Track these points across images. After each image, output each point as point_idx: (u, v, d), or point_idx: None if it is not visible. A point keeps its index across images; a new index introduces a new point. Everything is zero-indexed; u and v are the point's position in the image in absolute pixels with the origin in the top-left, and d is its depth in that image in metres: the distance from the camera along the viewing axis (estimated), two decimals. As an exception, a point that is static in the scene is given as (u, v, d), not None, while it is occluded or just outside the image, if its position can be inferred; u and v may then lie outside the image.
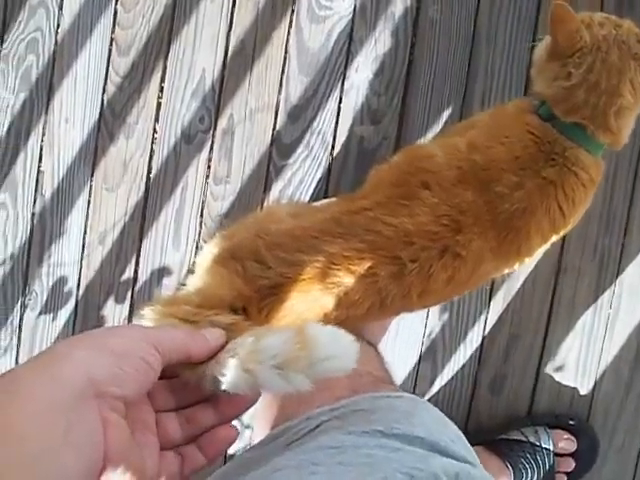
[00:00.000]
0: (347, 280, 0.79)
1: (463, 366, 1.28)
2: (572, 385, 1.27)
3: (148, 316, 0.70)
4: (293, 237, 0.81)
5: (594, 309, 1.26)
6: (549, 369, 1.27)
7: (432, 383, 1.28)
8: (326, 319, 0.80)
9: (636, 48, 0.87)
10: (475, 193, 0.85)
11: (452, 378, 1.28)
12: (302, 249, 0.80)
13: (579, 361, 1.27)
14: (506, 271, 0.96)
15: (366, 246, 0.80)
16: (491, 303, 1.27)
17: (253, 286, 0.78)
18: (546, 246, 0.94)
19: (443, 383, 1.28)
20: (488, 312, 1.26)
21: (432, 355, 1.27)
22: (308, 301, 0.79)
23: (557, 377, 1.27)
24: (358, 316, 0.82)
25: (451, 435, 0.61)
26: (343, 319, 0.81)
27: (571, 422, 1.26)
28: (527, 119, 0.91)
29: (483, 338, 1.27)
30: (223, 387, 0.48)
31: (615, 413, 1.27)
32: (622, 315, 1.26)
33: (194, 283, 0.83)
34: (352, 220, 0.83)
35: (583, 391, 1.27)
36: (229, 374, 0.47)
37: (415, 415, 0.61)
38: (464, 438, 0.64)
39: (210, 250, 0.87)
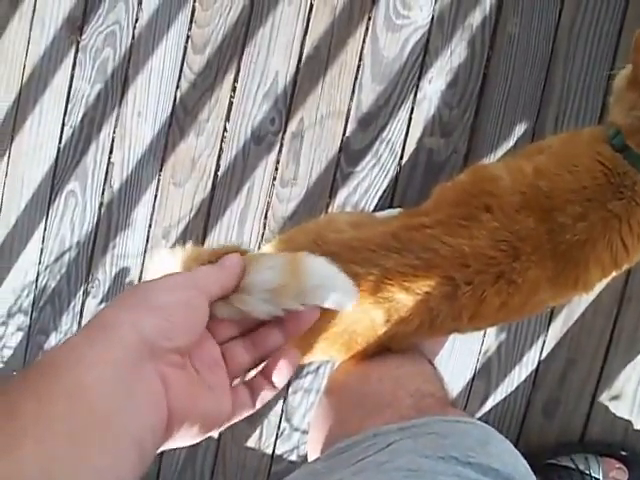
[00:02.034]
0: (399, 296, 0.82)
1: (517, 387, 1.30)
2: (627, 416, 1.29)
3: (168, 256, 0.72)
4: (350, 248, 0.85)
5: (657, 340, 1.27)
6: (604, 398, 1.29)
7: (485, 401, 1.31)
8: (375, 333, 0.84)
9: None
10: (537, 221, 0.86)
11: (505, 398, 1.31)
12: (357, 261, 0.83)
13: (637, 392, 1.29)
14: (563, 302, 0.96)
15: (421, 264, 0.83)
16: (550, 326, 1.29)
17: None
18: (606, 280, 0.94)
19: (496, 402, 1.31)
20: (547, 335, 1.29)
21: (487, 373, 1.31)
22: (358, 313, 0.82)
23: (612, 406, 1.29)
24: (407, 333, 0.84)
25: (522, 469, 0.64)
26: (392, 334, 0.84)
27: (623, 452, 1.28)
28: (599, 149, 0.91)
29: (539, 361, 1.30)
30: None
31: (670, 448, 1.28)
32: (686, 348, 1.27)
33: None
34: (410, 236, 0.86)
35: (638, 424, 1.28)
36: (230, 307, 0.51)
37: (489, 444, 0.64)
38: (533, 474, 0.67)
39: (268, 249, 0.91)
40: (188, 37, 1.36)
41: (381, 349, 0.87)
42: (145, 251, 1.39)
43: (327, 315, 0.82)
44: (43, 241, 1.43)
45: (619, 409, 1.29)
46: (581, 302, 1.28)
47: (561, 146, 0.97)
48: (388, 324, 0.83)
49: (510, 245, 0.85)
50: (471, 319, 0.86)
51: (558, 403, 1.30)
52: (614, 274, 0.93)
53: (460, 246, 0.84)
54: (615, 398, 1.30)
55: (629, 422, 1.29)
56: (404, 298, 0.82)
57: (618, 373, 1.29)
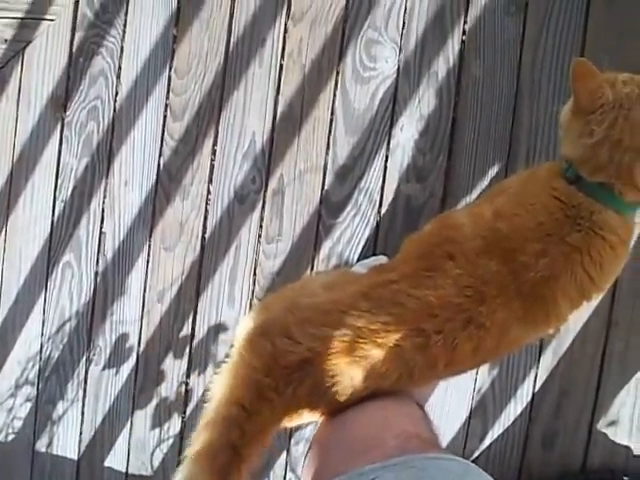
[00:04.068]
0: (374, 353, 0.86)
1: (514, 421, 1.35)
2: (626, 442, 1.32)
3: None
4: (322, 312, 0.90)
5: (648, 363, 1.31)
6: (602, 425, 1.33)
7: (483, 438, 1.36)
8: (355, 390, 0.88)
9: None
10: (499, 263, 0.90)
11: (503, 434, 1.35)
12: (330, 324, 0.88)
13: (633, 417, 1.32)
14: (539, 337, 1.00)
15: (391, 319, 0.87)
16: (541, 358, 1.33)
17: (283, 361, 0.87)
18: (579, 310, 0.96)
19: (494, 438, 1.35)
20: (538, 368, 1.33)
21: (482, 411, 1.35)
22: (337, 374, 0.87)
23: (610, 433, 1.32)
24: (387, 387, 0.89)
25: None
26: (373, 389, 0.88)
27: (625, 478, 1.31)
28: (554, 184, 0.95)
29: (533, 394, 1.34)
30: None
31: (674, 469, 1.31)
32: (678, 369, 1.30)
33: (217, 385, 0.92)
34: (378, 294, 0.90)
35: (638, 447, 1.31)
36: None
37: (467, 477, 0.69)
38: None
39: (247, 323, 0.97)
40: (166, 106, 1.44)
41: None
42: (142, 316, 1.45)
43: (307, 384, 0.88)
44: (44, 313, 1.50)
45: (617, 435, 1.33)
46: (569, 331, 1.32)
47: (519, 186, 1.02)
48: (367, 381, 0.88)
49: (475, 290, 0.89)
50: (447, 366, 0.90)
51: (556, 434, 1.34)
52: (585, 304, 0.97)
53: (426, 297, 0.88)
54: (612, 424, 1.34)
55: (628, 448, 1.33)
56: (379, 354, 0.86)
57: (612, 399, 1.32)
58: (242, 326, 0.98)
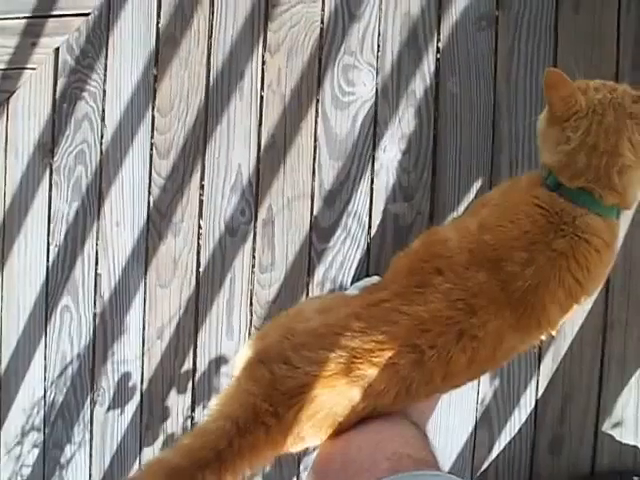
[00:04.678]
0: (370, 372, 0.88)
1: (520, 430, 1.36)
2: (633, 441, 1.33)
3: None
4: (317, 335, 0.91)
5: (647, 362, 1.33)
6: (607, 427, 1.34)
7: (490, 449, 1.37)
8: (355, 410, 0.89)
9: (632, 108, 0.94)
10: (487, 274, 0.92)
11: (510, 443, 1.36)
12: (326, 346, 0.89)
13: (637, 416, 1.33)
14: (535, 342, 1.02)
15: (385, 337, 0.89)
16: (541, 365, 1.35)
17: (282, 387, 0.88)
18: (569, 315, 0.99)
19: (501, 448, 1.36)
20: (539, 375, 1.35)
21: (488, 421, 1.36)
22: (335, 395, 0.88)
23: (616, 434, 1.34)
24: (386, 405, 0.90)
25: None
26: (372, 408, 0.90)
27: (635, 478, 1.32)
28: (535, 192, 0.98)
29: (536, 401, 1.35)
30: None
31: (682, 465, 1.32)
32: (677, 365, 1.32)
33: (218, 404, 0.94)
34: (370, 313, 0.92)
35: (645, 446, 1.33)
36: None
37: None
38: None
39: (245, 352, 0.98)
40: (152, 145, 1.46)
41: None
42: (143, 354, 1.47)
43: (308, 408, 0.89)
44: (45, 358, 1.51)
45: (624, 436, 1.34)
46: (566, 336, 1.34)
47: (502, 197, 1.04)
48: (366, 400, 0.89)
49: (465, 302, 0.91)
50: (444, 380, 0.91)
51: (562, 440, 1.35)
52: (576, 307, 0.98)
53: (418, 313, 0.90)
54: (617, 425, 1.35)
55: (636, 447, 1.34)
56: (375, 373, 0.88)
57: (615, 400, 1.34)
58: (240, 355, 1.00)
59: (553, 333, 0.99)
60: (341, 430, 0.92)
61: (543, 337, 0.99)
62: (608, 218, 0.97)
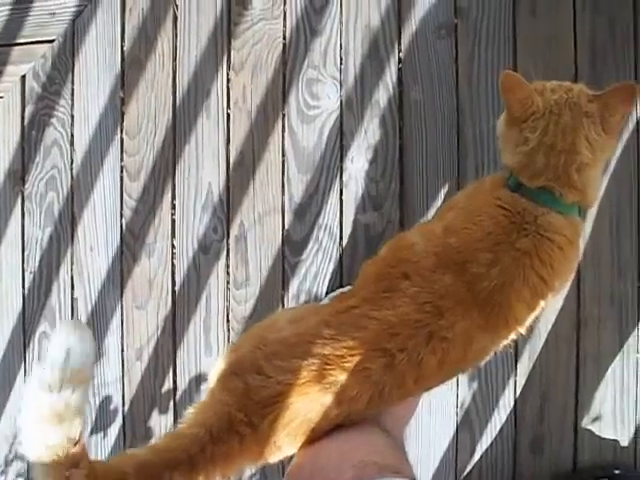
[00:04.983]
0: (343, 378, 0.90)
1: (500, 430, 1.37)
2: (612, 436, 1.35)
3: None
4: (289, 344, 0.93)
5: (621, 356, 1.35)
6: (586, 422, 1.35)
7: (473, 452, 1.38)
8: (329, 417, 0.91)
9: (587, 107, 0.97)
10: (453, 276, 0.94)
11: (491, 444, 1.37)
12: (298, 355, 0.91)
13: (615, 410, 1.35)
14: (506, 342, 1.03)
15: (356, 343, 0.91)
16: (518, 365, 1.36)
17: (256, 397, 0.90)
18: (537, 312, 1.01)
19: (483, 450, 1.38)
20: (516, 375, 1.36)
21: (468, 424, 1.38)
22: (309, 403, 0.90)
23: (596, 429, 1.35)
24: (360, 410, 0.92)
25: None
26: (346, 414, 0.92)
27: (616, 471, 1.34)
28: (498, 194, 1.00)
29: (515, 401, 1.37)
30: None
31: (662, 456, 1.34)
32: (652, 357, 1.34)
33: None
34: (340, 320, 0.94)
35: (624, 440, 1.34)
36: None
37: None
38: None
39: (220, 364, 1.00)
40: (122, 167, 1.47)
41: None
42: (123, 375, 1.47)
43: (283, 416, 0.90)
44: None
45: (603, 430, 1.36)
46: (541, 335, 1.36)
47: (466, 200, 1.06)
48: (340, 406, 0.91)
49: (433, 305, 0.93)
50: (417, 382, 0.94)
51: (543, 438, 1.37)
52: (543, 304, 1.00)
53: (386, 317, 0.92)
54: (596, 420, 1.37)
55: (616, 441, 1.36)
56: (347, 379, 0.90)
57: (593, 395, 1.36)
58: (215, 369, 1.01)
59: (522, 331, 1.01)
60: (316, 438, 0.93)
61: (513, 336, 1.01)
62: (570, 216, 1.00)
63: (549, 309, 1.33)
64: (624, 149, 1.33)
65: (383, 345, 0.91)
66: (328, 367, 0.90)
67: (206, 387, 1.39)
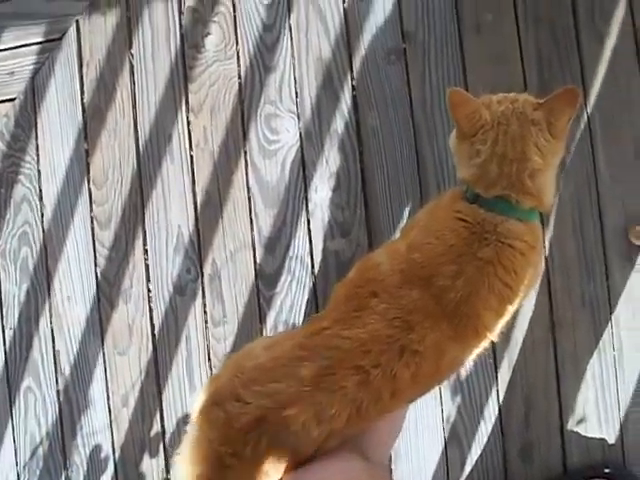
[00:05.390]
0: (320, 398, 0.92)
1: (488, 441, 1.39)
2: (598, 435, 1.37)
3: None
4: (266, 370, 0.96)
5: (598, 355, 1.37)
6: (572, 425, 1.37)
7: (463, 465, 1.40)
8: (310, 437, 0.93)
9: (533, 115, 1.00)
10: (420, 291, 0.97)
11: (481, 456, 1.39)
12: (275, 379, 0.94)
13: (599, 410, 1.37)
14: (478, 350, 1.05)
15: (330, 363, 0.93)
16: (498, 375, 1.38)
17: (237, 424, 0.92)
18: (506, 318, 1.03)
19: (474, 462, 1.39)
20: (497, 384, 1.38)
21: (456, 438, 1.39)
22: (289, 425, 0.92)
23: (582, 430, 1.37)
24: (340, 428, 0.94)
25: None
26: (327, 434, 0.94)
27: (607, 470, 1.36)
28: (457, 207, 1.03)
29: (500, 410, 1.38)
30: None
31: (650, 450, 1.36)
32: (627, 353, 1.37)
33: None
34: (314, 342, 0.97)
35: (611, 437, 1.36)
36: None
37: None
38: None
39: (201, 396, 1.01)
40: (92, 217, 1.49)
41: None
42: (111, 423, 1.48)
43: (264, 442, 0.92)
44: (14, 442, 1.52)
45: (589, 431, 1.38)
46: (517, 342, 1.38)
47: (427, 217, 1.10)
48: (320, 426, 0.93)
49: (402, 320, 0.96)
50: (393, 396, 0.96)
51: (531, 445, 1.39)
52: (511, 309, 1.03)
53: (358, 335, 0.95)
54: (581, 422, 1.38)
55: (603, 440, 1.37)
56: (325, 399, 0.92)
57: (575, 397, 1.38)
58: (197, 401, 1.03)
59: (493, 338, 1.03)
60: (300, 461, 0.95)
61: (485, 344, 1.03)
62: (528, 221, 1.03)
63: (522, 315, 1.36)
64: (579, 153, 1.37)
65: (357, 363, 0.93)
66: (305, 388, 0.93)
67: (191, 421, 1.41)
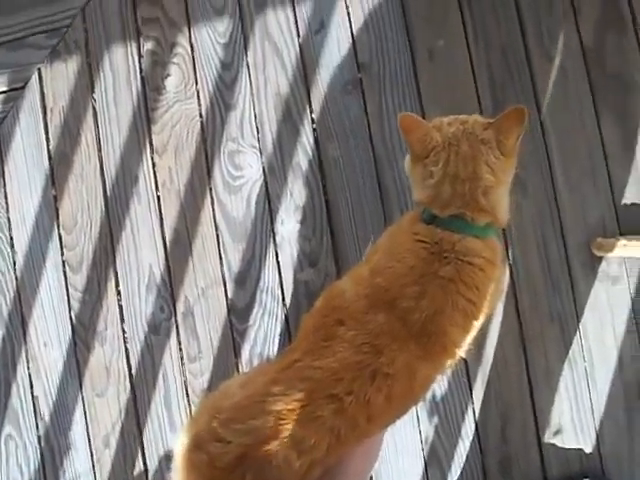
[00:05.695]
0: (298, 430, 0.94)
1: (467, 459, 1.41)
2: (575, 445, 1.39)
3: None
4: (241, 408, 0.98)
5: (569, 367, 1.40)
6: (549, 437, 1.40)
7: (443, 485, 1.41)
8: (292, 469, 0.94)
9: (483, 135, 1.03)
10: (385, 314, 1.00)
11: (461, 474, 1.41)
12: (253, 415, 0.95)
13: (574, 420, 1.40)
14: (449, 368, 1.08)
15: (304, 395, 0.95)
16: (473, 393, 1.41)
17: (220, 464, 0.94)
18: (473, 333, 1.06)
19: (454, 481, 1.41)
20: (473, 402, 1.41)
21: (436, 459, 1.41)
22: (271, 459, 0.93)
23: (559, 442, 1.40)
24: (321, 457, 0.96)
25: None
26: (309, 464, 0.95)
27: (585, 479, 1.38)
28: (415, 229, 1.06)
29: (477, 427, 1.41)
30: None
31: (627, 458, 1.38)
32: (597, 363, 1.39)
33: None
34: (286, 375, 0.99)
35: (588, 447, 1.39)
36: None
37: None
38: None
39: (181, 439, 1.03)
40: (64, 262, 1.51)
41: None
42: (93, 465, 1.49)
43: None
44: (-1, 491, 1.52)
45: (566, 442, 1.40)
46: (489, 358, 1.41)
47: (388, 240, 1.13)
48: (301, 457, 0.95)
49: (370, 345, 0.98)
50: (370, 421, 0.98)
51: (510, 460, 1.41)
52: (477, 324, 1.06)
53: (328, 365, 0.97)
54: (558, 433, 1.41)
55: (580, 450, 1.40)
56: (303, 430, 0.94)
57: (550, 410, 1.40)
58: (178, 444, 1.04)
59: (462, 354, 1.06)
60: None
61: (455, 360, 1.05)
62: (485, 238, 1.06)
63: (492, 332, 1.38)
64: (537, 170, 1.41)
65: (330, 391, 0.95)
66: (283, 422, 0.94)
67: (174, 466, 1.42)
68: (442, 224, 1.04)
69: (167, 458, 1.47)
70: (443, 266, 1.01)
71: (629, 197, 1.39)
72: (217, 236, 1.46)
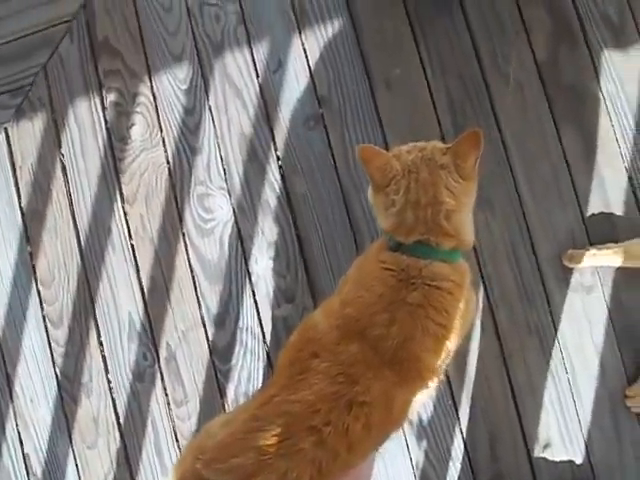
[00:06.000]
0: (280, 464, 0.95)
1: (459, 480, 1.42)
2: (565, 457, 1.40)
3: None
4: (224, 446, 0.99)
5: (552, 380, 1.41)
6: (538, 451, 1.41)
7: (437, 508, 1.42)
8: None
9: (442, 160, 1.05)
10: (357, 344, 1.01)
11: (453, 496, 1.42)
12: (235, 453, 0.96)
13: (562, 433, 1.41)
14: (427, 391, 1.08)
15: (283, 428, 0.96)
16: (459, 414, 1.42)
17: None
18: (448, 355, 1.07)
19: (447, 504, 1.42)
20: (460, 423, 1.42)
21: (427, 482, 1.42)
22: None
23: (549, 456, 1.41)
24: None
25: None
26: None
27: (577, 491, 1.39)
28: (381, 257, 1.08)
29: (466, 448, 1.42)
30: None
31: (617, 466, 1.39)
32: (580, 373, 1.41)
33: None
34: (265, 411, 1.00)
35: (578, 458, 1.40)
36: None
37: None
38: None
39: None
40: (44, 317, 1.53)
41: None
42: (89, 519, 1.50)
43: None
44: None
45: (556, 455, 1.41)
46: (471, 378, 1.42)
47: (356, 271, 1.14)
48: None
49: (345, 375, 0.99)
50: (350, 451, 0.99)
51: (502, 477, 1.42)
52: (451, 346, 1.06)
53: (305, 398, 0.98)
54: (547, 447, 1.42)
55: (571, 461, 1.41)
56: (284, 464, 0.95)
57: (537, 424, 1.41)
58: None
59: (439, 376, 1.07)
60: None
61: (433, 383, 1.07)
62: (452, 261, 1.07)
63: (472, 352, 1.40)
64: (502, 189, 1.43)
65: (309, 424, 0.96)
66: (265, 457, 0.95)
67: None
68: (408, 251, 1.05)
69: (161, 504, 1.48)
70: (410, 292, 1.03)
71: (595, 206, 1.42)
72: (193, 279, 1.48)
